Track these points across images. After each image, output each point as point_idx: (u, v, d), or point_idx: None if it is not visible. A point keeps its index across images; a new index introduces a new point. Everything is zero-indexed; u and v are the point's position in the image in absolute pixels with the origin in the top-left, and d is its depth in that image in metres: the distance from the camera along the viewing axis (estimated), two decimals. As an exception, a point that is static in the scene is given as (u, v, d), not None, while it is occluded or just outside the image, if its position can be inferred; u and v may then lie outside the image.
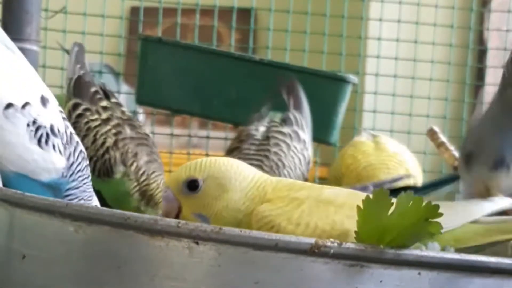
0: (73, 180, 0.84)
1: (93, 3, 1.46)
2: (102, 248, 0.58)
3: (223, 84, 1.21)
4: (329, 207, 0.63)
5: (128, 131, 1.02)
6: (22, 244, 0.62)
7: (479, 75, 1.68)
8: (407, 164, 1.12)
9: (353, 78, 1.24)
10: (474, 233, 0.61)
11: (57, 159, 0.82)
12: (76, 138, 0.86)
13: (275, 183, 0.65)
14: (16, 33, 1.18)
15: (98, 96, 1.05)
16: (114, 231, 0.57)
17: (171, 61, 1.22)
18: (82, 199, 0.85)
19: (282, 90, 1.11)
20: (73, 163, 0.84)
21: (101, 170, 0.99)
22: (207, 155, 1.45)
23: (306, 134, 1.06)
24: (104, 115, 1.02)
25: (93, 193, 0.87)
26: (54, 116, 0.83)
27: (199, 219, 0.64)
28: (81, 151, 0.85)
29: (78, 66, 1.12)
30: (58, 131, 0.83)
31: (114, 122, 1.02)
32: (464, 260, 0.57)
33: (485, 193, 0.74)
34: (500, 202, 0.66)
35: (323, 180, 1.41)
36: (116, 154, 0.99)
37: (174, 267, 0.56)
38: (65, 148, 0.83)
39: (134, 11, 1.79)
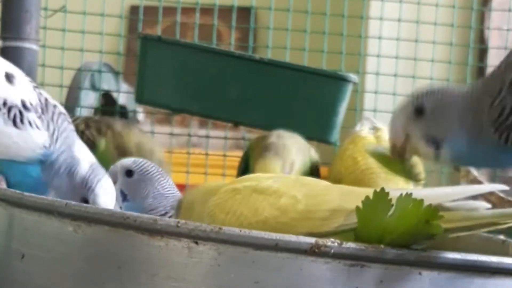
0: (60, 146, 0.82)
1: (92, 2, 1.46)
2: (101, 248, 0.58)
3: (223, 83, 1.21)
4: (259, 196, 0.65)
5: (95, 118, 1.11)
6: (22, 244, 0.62)
7: (480, 74, 1.68)
8: None
9: (353, 77, 1.23)
10: None
11: (37, 135, 0.80)
12: (53, 101, 0.84)
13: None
14: (15, 32, 1.18)
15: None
16: (113, 231, 0.57)
17: (171, 60, 1.22)
18: (73, 155, 0.83)
19: None
20: (54, 130, 0.82)
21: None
22: (207, 154, 1.45)
23: None
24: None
25: (81, 144, 0.86)
26: (23, 90, 0.81)
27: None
28: (60, 113, 0.84)
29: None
30: (31, 104, 0.81)
31: (80, 118, 1.10)
32: (465, 260, 0.57)
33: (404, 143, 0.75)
34: (466, 189, 0.64)
35: (322, 179, 1.40)
36: (92, 131, 1.06)
37: (174, 267, 0.56)
38: (41, 120, 0.81)
39: (134, 9, 1.78)
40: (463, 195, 0.62)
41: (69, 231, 0.59)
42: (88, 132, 1.06)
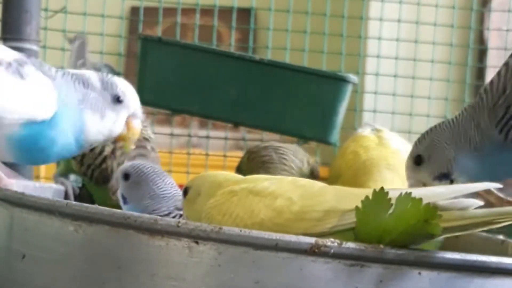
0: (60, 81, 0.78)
1: (93, 3, 1.46)
2: (102, 248, 0.58)
3: (223, 84, 1.21)
4: (255, 197, 0.65)
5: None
6: (22, 244, 0.62)
7: (480, 75, 1.68)
8: None
9: (353, 77, 1.23)
10: None
11: (45, 80, 0.77)
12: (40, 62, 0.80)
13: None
14: (16, 33, 1.18)
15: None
16: (114, 231, 0.57)
17: (171, 60, 1.22)
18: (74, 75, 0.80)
19: None
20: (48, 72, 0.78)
21: (99, 178, 1.01)
22: (207, 154, 1.45)
23: None
24: None
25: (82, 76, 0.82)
26: (5, 50, 0.78)
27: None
28: (49, 67, 0.80)
29: (80, 62, 1.12)
30: (23, 61, 0.77)
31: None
32: (464, 260, 0.57)
33: None
34: (460, 188, 0.64)
35: (323, 180, 1.40)
36: (113, 163, 1.00)
37: (174, 266, 0.56)
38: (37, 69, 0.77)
39: (134, 11, 1.79)
40: (458, 193, 0.62)
41: (69, 231, 0.59)
42: (109, 163, 1.01)
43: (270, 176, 0.72)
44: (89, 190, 1.04)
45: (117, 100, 0.81)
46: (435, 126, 0.86)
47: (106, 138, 0.82)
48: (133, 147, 0.86)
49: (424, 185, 0.81)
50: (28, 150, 0.76)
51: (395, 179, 1.02)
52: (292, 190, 0.65)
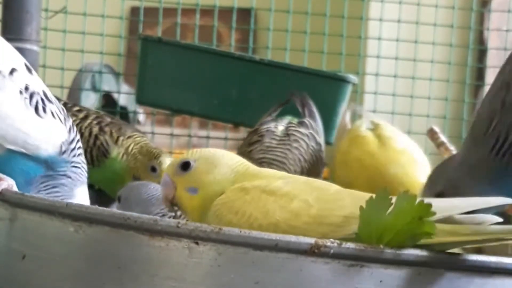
0: (72, 158, 0.76)
1: (93, 3, 1.46)
2: (102, 248, 0.58)
3: (223, 84, 1.21)
4: (269, 197, 0.64)
5: (108, 119, 1.12)
6: (22, 244, 0.62)
7: (479, 75, 1.68)
8: (417, 161, 1.09)
9: (353, 78, 1.24)
10: (439, 230, 0.58)
11: (58, 128, 0.74)
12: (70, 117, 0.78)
13: (247, 170, 0.70)
14: (16, 33, 1.18)
15: (69, 105, 1.13)
16: (114, 231, 0.57)
17: (171, 61, 1.22)
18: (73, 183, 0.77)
19: (295, 101, 1.12)
20: (73, 139, 0.76)
21: (97, 155, 1.07)
22: (207, 155, 1.45)
23: (321, 139, 1.08)
24: (81, 115, 1.11)
25: (85, 183, 0.80)
26: (42, 84, 0.74)
27: (189, 192, 0.69)
28: (76, 132, 0.77)
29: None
30: (52, 98, 0.74)
31: (92, 116, 1.11)
32: (464, 260, 0.57)
33: None
34: (477, 202, 0.63)
35: (323, 180, 1.40)
36: (105, 137, 1.08)
37: (174, 267, 0.56)
38: (65, 119, 0.75)
39: (134, 11, 1.79)
40: (474, 207, 0.61)
41: (70, 232, 0.59)
42: (102, 138, 1.09)
43: (282, 174, 0.71)
44: (92, 182, 1.05)
45: None
46: (445, 166, 0.83)
47: None
48: None
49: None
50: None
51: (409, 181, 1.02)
52: (307, 192, 0.64)
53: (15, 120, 0.70)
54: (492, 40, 1.69)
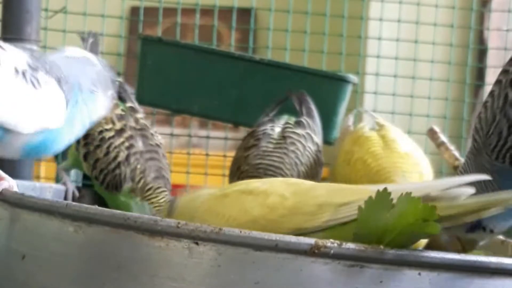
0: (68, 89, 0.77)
1: (93, 3, 1.46)
2: (102, 248, 0.58)
3: (223, 84, 1.21)
4: (248, 197, 0.66)
5: (140, 144, 1.03)
6: (22, 244, 0.62)
7: (479, 75, 1.68)
8: (420, 167, 1.08)
9: (353, 78, 1.23)
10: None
11: (57, 93, 0.75)
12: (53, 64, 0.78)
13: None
14: (16, 33, 1.18)
15: (113, 100, 1.04)
16: (114, 232, 0.57)
17: (171, 61, 1.22)
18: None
19: (293, 99, 1.11)
20: (60, 79, 0.76)
21: (110, 183, 1.01)
22: (207, 155, 1.45)
23: (318, 138, 1.08)
24: (118, 125, 1.03)
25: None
26: (16, 53, 0.74)
27: None
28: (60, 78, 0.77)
29: None
30: (35, 66, 0.74)
31: (127, 133, 1.02)
32: (464, 260, 0.57)
33: (462, 251, 0.74)
34: (453, 180, 0.63)
35: (323, 180, 1.40)
36: (126, 170, 1.00)
37: (174, 267, 0.56)
38: (50, 74, 0.76)
39: (134, 11, 1.79)
40: (452, 184, 0.61)
41: (69, 232, 0.59)
42: (123, 169, 1.01)
43: (261, 179, 0.73)
44: (100, 194, 1.04)
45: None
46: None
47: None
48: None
49: (458, 238, 0.79)
50: (43, 151, 0.78)
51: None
52: (284, 188, 0.66)
53: (20, 100, 0.72)
54: (492, 40, 1.69)
